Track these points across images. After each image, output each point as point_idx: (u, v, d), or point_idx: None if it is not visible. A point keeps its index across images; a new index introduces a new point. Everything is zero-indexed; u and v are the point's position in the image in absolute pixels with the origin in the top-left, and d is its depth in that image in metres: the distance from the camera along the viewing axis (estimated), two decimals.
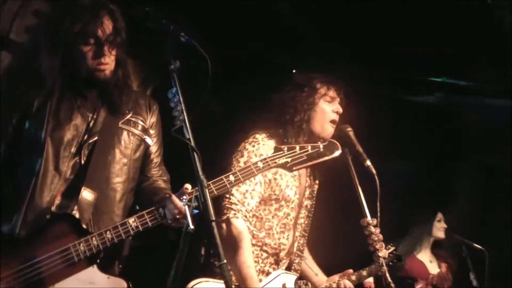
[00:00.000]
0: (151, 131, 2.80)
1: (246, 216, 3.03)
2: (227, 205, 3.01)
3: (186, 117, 2.20)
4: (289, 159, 2.57)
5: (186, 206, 2.03)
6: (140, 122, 2.76)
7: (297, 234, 3.28)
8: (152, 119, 2.81)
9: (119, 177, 2.64)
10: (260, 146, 3.12)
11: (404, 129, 5.44)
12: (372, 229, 3.04)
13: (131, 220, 2.43)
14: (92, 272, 2.40)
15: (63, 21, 2.58)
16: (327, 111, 3.24)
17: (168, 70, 2.33)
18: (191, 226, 1.96)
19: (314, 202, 3.38)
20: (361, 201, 3.14)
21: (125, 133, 2.70)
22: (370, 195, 3.19)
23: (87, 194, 2.50)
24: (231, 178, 2.50)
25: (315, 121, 3.23)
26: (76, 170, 2.56)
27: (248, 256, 2.97)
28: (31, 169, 2.51)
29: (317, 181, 3.41)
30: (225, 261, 1.98)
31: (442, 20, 4.65)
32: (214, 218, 2.02)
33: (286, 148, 2.59)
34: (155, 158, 2.82)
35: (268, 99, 3.37)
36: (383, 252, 2.99)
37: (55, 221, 2.44)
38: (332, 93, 3.28)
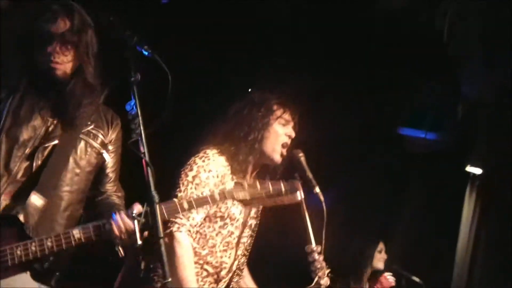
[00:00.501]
0: (110, 147, 2.77)
1: (190, 231, 3.01)
2: (171, 219, 2.94)
3: (142, 131, 2.20)
4: (247, 196, 2.57)
5: (136, 221, 2.02)
6: (100, 136, 2.73)
7: (239, 252, 3.28)
8: (112, 135, 2.78)
9: (68, 186, 2.60)
10: (210, 161, 3.10)
11: (350, 152, 5.54)
12: (316, 256, 3.06)
13: (75, 231, 2.39)
14: (24, 278, 2.35)
15: (23, 19, 2.56)
16: (280, 133, 3.25)
17: (128, 82, 2.32)
18: (139, 241, 1.95)
19: (258, 222, 3.39)
20: (307, 227, 3.16)
21: (83, 144, 2.67)
22: (316, 222, 3.23)
23: (35, 199, 2.45)
24: (185, 205, 2.50)
25: (267, 142, 3.23)
26: (28, 173, 2.52)
27: (189, 272, 2.95)
28: None
29: None
30: (170, 279, 1.98)
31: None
32: (162, 235, 2.01)
33: (246, 185, 2.58)
34: (111, 173, 2.80)
35: (219, 114, 3.37)
36: (325, 280, 3.02)
37: None
38: (287, 116, 3.30)
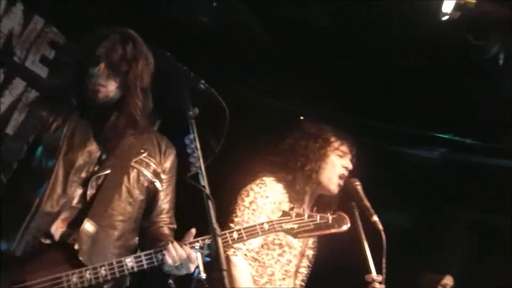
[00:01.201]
0: (163, 176, 2.73)
1: (246, 255, 3.04)
2: (229, 243, 2.95)
3: (202, 165, 2.21)
4: (295, 226, 2.55)
5: (198, 253, 2.03)
6: (153, 165, 2.70)
7: (297, 282, 3.26)
8: (166, 164, 2.75)
9: (121, 216, 2.59)
10: (267, 188, 3.15)
11: (409, 185, 5.44)
12: (377, 286, 3.02)
13: (127, 260, 2.40)
14: None
15: (79, 45, 2.66)
16: (337, 165, 3.29)
17: (186, 116, 2.34)
18: (203, 274, 1.97)
19: (315, 253, 3.37)
20: (366, 256, 3.12)
21: (135, 172, 2.64)
22: (374, 251, 3.18)
23: (89, 227, 2.47)
24: (235, 235, 2.50)
25: (324, 173, 3.26)
26: (83, 200, 2.52)
27: (245, 274, 2.99)
28: (38, 189, 2.49)
29: None
30: None
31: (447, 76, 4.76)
32: (225, 268, 2.02)
33: (294, 214, 2.57)
34: (163, 204, 2.75)
35: (273, 143, 3.40)
36: None
37: (53, 247, 2.42)
38: (344, 148, 3.32)
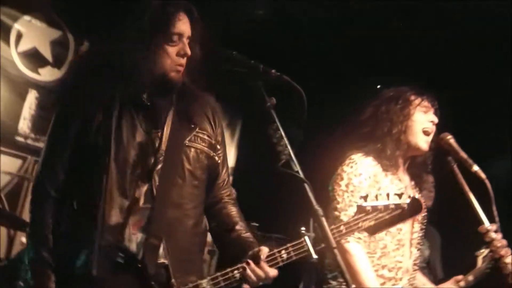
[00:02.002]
0: (218, 147, 2.58)
1: (359, 239, 3.00)
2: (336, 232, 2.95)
3: (291, 151, 2.21)
4: (372, 223, 2.44)
5: (306, 237, 2.04)
6: (207, 138, 2.53)
7: (413, 250, 3.21)
8: (218, 135, 2.59)
9: (192, 202, 2.44)
10: (358, 165, 3.12)
11: None
12: (493, 235, 2.92)
13: (204, 282, 2.30)
14: None
15: (143, 23, 2.39)
16: (422, 121, 3.21)
17: (265, 108, 2.35)
18: (315, 256, 1.97)
19: (425, 214, 3.30)
20: (475, 208, 3.03)
21: (192, 151, 2.47)
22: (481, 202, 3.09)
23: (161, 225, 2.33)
24: (284, 255, 2.33)
25: (411, 132, 3.19)
26: (150, 198, 2.34)
27: (370, 275, 2.95)
28: (93, 196, 2.28)
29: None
30: (353, 286, 1.98)
31: None
32: (335, 245, 2.02)
33: (370, 208, 2.47)
34: (223, 175, 2.61)
35: (354, 116, 3.35)
36: (510, 258, 2.86)
37: (131, 261, 2.29)
38: (426, 103, 3.24)
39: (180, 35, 2.42)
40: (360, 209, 2.46)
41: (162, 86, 2.43)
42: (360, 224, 2.44)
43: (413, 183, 3.30)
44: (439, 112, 3.27)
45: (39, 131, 5.44)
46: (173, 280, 2.29)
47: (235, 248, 2.47)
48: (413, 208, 2.46)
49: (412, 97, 3.24)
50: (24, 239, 4.57)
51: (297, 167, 2.18)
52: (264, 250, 2.32)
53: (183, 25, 2.42)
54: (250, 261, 2.29)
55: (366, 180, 3.09)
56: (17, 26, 5.43)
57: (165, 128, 2.43)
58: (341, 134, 3.34)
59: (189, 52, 2.42)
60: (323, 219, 2.05)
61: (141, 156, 2.35)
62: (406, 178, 3.28)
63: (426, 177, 3.29)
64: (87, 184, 2.32)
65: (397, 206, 2.46)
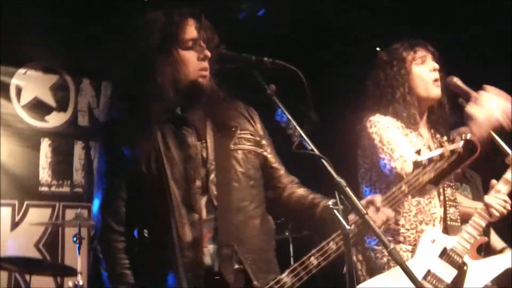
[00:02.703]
0: (263, 142, 2.58)
1: None
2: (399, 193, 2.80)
3: (301, 131, 2.21)
4: (432, 174, 2.39)
5: (335, 211, 2.04)
6: (251, 136, 2.54)
7: (442, 197, 3.18)
8: (258, 127, 2.59)
9: (253, 203, 2.44)
10: (381, 121, 3.11)
11: None
12: None
13: (284, 276, 2.28)
14: None
15: (148, 37, 2.41)
16: (424, 73, 3.19)
17: (266, 96, 2.35)
18: (348, 227, 1.98)
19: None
20: (496, 140, 3.01)
21: (240, 153, 2.48)
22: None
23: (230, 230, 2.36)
24: (404, 188, 2.40)
25: (418, 88, 3.19)
26: (212, 209, 2.36)
27: None
28: (163, 219, 2.32)
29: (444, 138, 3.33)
30: (392, 246, 1.98)
31: None
32: (365, 212, 2.02)
33: (425, 161, 2.42)
34: (278, 166, 2.61)
35: (361, 85, 3.35)
36: None
37: (214, 273, 2.32)
38: (420, 53, 3.22)
39: (194, 40, 2.43)
40: (416, 164, 2.44)
41: (193, 93, 2.44)
42: (420, 179, 2.41)
43: (433, 132, 3.30)
44: (436, 57, 3.24)
45: (60, 176, 5.53)
46: (255, 282, 2.30)
47: (325, 217, 2.42)
48: (469, 149, 2.42)
49: (404, 54, 3.23)
50: (70, 284, 4.63)
51: (311, 146, 2.18)
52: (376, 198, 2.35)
53: (194, 30, 2.43)
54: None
55: (396, 130, 3.09)
56: (14, 81, 5.52)
57: (208, 137, 2.45)
58: (353, 107, 3.33)
59: (208, 54, 2.43)
60: (348, 189, 2.05)
61: (194, 169, 2.38)
62: (425, 132, 3.27)
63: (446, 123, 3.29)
64: (152, 210, 2.36)
65: (452, 151, 2.42)
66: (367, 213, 2.02)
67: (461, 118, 3.15)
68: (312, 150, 2.17)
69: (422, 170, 2.42)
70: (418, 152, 2.47)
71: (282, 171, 2.63)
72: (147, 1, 4.05)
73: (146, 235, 2.39)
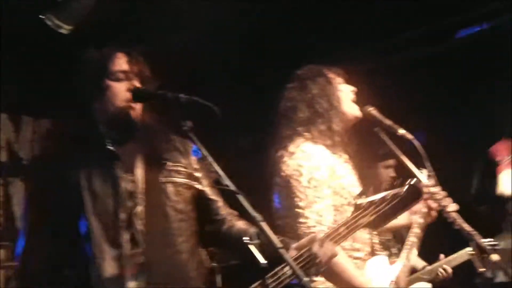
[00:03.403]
0: (197, 174, 2.56)
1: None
2: (306, 231, 2.80)
3: (217, 167, 2.21)
4: (372, 217, 2.34)
5: (251, 246, 2.06)
6: (183, 169, 2.53)
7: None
8: (193, 163, 2.58)
9: (181, 237, 2.43)
10: (315, 157, 2.94)
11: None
12: (432, 189, 3.00)
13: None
14: None
15: (82, 75, 2.50)
16: (346, 91, 3.18)
17: (184, 132, 2.34)
18: (263, 261, 2.00)
19: None
20: (408, 168, 3.11)
21: (170, 186, 2.47)
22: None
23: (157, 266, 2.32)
24: (341, 230, 2.35)
25: (342, 103, 3.12)
26: (134, 243, 2.34)
27: (350, 266, 2.85)
28: (87, 258, 2.32)
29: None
30: (306, 278, 2.01)
31: None
32: (280, 246, 2.04)
33: (365, 204, 2.37)
34: (216, 198, 2.59)
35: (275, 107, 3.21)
36: (453, 206, 2.94)
37: None
38: (341, 73, 3.23)
39: (125, 72, 2.47)
40: (357, 207, 2.38)
41: (122, 125, 2.47)
42: (359, 222, 2.35)
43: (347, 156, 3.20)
44: (352, 81, 3.27)
45: None
46: None
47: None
48: (412, 194, 2.36)
49: (327, 71, 3.19)
50: None
51: (226, 181, 2.20)
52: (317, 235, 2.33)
53: (124, 63, 2.48)
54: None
55: (326, 172, 2.93)
56: None
57: (137, 170, 2.44)
58: (275, 128, 3.16)
59: (138, 85, 2.46)
60: (263, 224, 2.08)
61: (120, 202, 2.36)
62: (345, 157, 3.15)
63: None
64: (76, 245, 2.34)
65: (395, 195, 2.36)
66: (282, 247, 2.04)
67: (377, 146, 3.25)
68: (227, 186, 2.18)
69: (362, 213, 2.37)
70: (360, 194, 2.42)
71: (220, 203, 2.61)
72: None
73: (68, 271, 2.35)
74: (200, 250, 2.56)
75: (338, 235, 2.35)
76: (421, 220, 3.13)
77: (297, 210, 2.86)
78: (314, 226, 2.80)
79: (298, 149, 2.95)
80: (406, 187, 2.36)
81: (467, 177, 5.02)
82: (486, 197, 4.76)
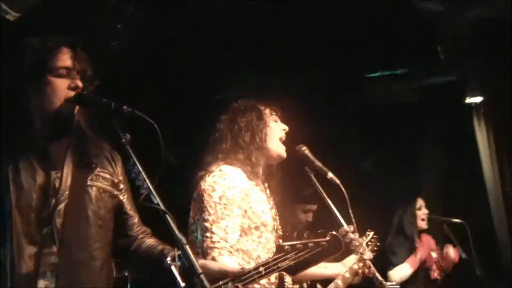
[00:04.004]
0: (121, 186, 2.57)
1: (231, 252, 2.99)
2: (210, 245, 2.93)
3: (150, 184, 2.23)
4: (292, 263, 2.39)
5: (172, 266, 2.07)
6: (109, 176, 2.52)
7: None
8: (120, 174, 2.58)
9: (97, 243, 2.40)
10: (231, 178, 3.06)
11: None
12: (351, 235, 3.10)
13: None
14: None
15: (19, 62, 2.39)
16: (277, 129, 3.29)
17: (120, 144, 2.33)
18: (182, 284, 2.02)
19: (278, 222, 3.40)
20: (333, 212, 3.21)
21: (95, 190, 2.44)
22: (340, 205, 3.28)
23: (67, 268, 2.28)
24: (229, 285, 2.39)
25: (271, 139, 3.25)
26: (52, 241, 2.29)
27: None
28: (2, 249, 2.24)
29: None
30: None
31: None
32: (200, 271, 2.07)
33: (288, 248, 2.42)
34: (133, 213, 2.60)
35: (209, 132, 3.34)
36: (368, 254, 3.07)
37: None
38: (276, 111, 3.35)
39: (68, 69, 2.42)
40: (279, 249, 2.43)
41: (58, 124, 2.41)
42: (279, 264, 2.40)
43: (268, 192, 3.34)
44: (286, 120, 3.38)
45: None
46: None
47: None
48: (334, 245, 2.43)
49: (263, 107, 3.31)
50: None
51: (157, 200, 2.21)
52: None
53: (68, 59, 2.42)
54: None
55: (239, 193, 3.05)
56: None
57: (65, 168, 2.40)
58: (203, 154, 3.29)
59: (80, 84, 2.42)
60: (187, 247, 2.10)
61: (44, 198, 2.32)
62: (264, 187, 3.32)
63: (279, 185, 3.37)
64: None
65: (317, 244, 2.41)
66: (202, 273, 2.07)
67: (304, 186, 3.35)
68: (157, 204, 2.20)
69: (283, 256, 2.42)
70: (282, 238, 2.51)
71: (135, 219, 2.62)
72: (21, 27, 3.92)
73: None
74: (113, 259, 2.55)
75: (257, 273, 2.42)
76: (348, 275, 3.25)
77: (205, 224, 2.96)
78: (218, 242, 2.91)
79: (217, 168, 3.09)
80: (329, 237, 2.44)
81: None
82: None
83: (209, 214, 2.98)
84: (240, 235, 3.07)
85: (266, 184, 3.31)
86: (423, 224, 5.26)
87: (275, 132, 3.27)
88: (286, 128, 3.32)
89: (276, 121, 3.32)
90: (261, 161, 3.19)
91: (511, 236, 5.60)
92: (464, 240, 5.01)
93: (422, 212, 5.29)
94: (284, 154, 3.27)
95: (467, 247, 4.98)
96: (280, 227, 3.35)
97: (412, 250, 5.04)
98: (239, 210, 3.03)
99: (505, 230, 5.61)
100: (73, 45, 2.47)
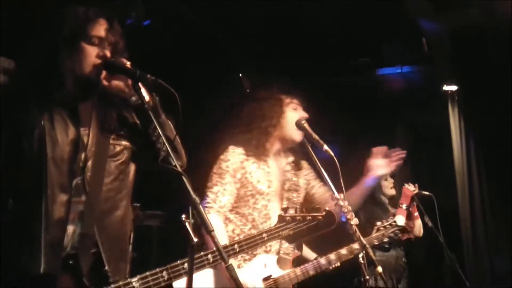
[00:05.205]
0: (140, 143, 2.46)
1: (219, 212, 3.14)
2: (204, 205, 3.10)
3: (169, 147, 2.17)
4: (291, 232, 2.44)
5: (186, 223, 2.03)
6: (129, 135, 2.45)
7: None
8: (139, 137, 2.46)
9: (120, 194, 2.38)
10: (229, 154, 3.25)
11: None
12: (341, 202, 3.08)
13: (134, 280, 2.13)
14: None
15: (60, 27, 2.32)
16: (294, 117, 3.33)
17: (144, 110, 2.27)
18: (195, 239, 1.98)
19: (298, 194, 3.42)
20: (325, 181, 3.18)
21: (118, 148, 2.40)
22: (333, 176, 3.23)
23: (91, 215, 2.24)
24: (236, 247, 2.38)
25: (284, 127, 3.32)
26: (83, 192, 2.26)
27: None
28: (37, 195, 2.18)
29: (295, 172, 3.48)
30: (230, 262, 2.00)
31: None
32: (212, 229, 2.02)
33: (289, 219, 2.46)
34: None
35: (233, 117, 3.43)
36: (354, 220, 3.03)
37: (68, 268, 2.18)
38: (296, 101, 3.39)
39: (100, 39, 2.35)
40: (281, 218, 2.47)
41: (87, 87, 2.35)
42: (280, 233, 2.45)
43: (288, 168, 3.43)
44: (308, 108, 3.41)
45: None
46: (106, 267, 2.23)
47: None
48: (328, 220, 2.48)
49: (282, 97, 3.37)
50: None
51: (174, 162, 2.15)
52: None
53: (103, 30, 2.36)
54: None
55: (232, 165, 3.22)
56: None
57: (91, 126, 2.36)
58: (226, 133, 3.43)
59: (107, 54, 2.36)
60: (200, 207, 2.05)
61: (75, 152, 2.28)
62: (274, 164, 3.39)
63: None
64: (25, 183, 2.21)
65: (314, 218, 2.46)
66: (213, 230, 2.02)
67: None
68: (175, 166, 2.14)
69: (284, 225, 2.46)
70: (285, 210, 2.51)
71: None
72: None
73: (11, 204, 2.21)
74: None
75: (261, 239, 2.43)
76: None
77: (205, 189, 3.21)
78: (209, 203, 3.13)
79: (226, 149, 3.29)
80: (324, 213, 2.50)
81: None
82: None
83: (208, 182, 3.22)
84: (239, 201, 3.22)
85: (278, 161, 3.39)
86: (392, 191, 5.19)
87: (291, 120, 3.32)
88: (306, 116, 3.34)
89: (295, 110, 3.35)
90: (266, 144, 3.29)
91: (471, 211, 5.75)
92: (432, 211, 4.99)
93: (388, 183, 5.20)
94: (299, 140, 3.33)
95: (433, 218, 4.96)
96: (294, 196, 3.35)
97: (386, 212, 5.01)
98: (231, 178, 3.20)
99: (467, 206, 5.72)
100: (111, 18, 2.43)
